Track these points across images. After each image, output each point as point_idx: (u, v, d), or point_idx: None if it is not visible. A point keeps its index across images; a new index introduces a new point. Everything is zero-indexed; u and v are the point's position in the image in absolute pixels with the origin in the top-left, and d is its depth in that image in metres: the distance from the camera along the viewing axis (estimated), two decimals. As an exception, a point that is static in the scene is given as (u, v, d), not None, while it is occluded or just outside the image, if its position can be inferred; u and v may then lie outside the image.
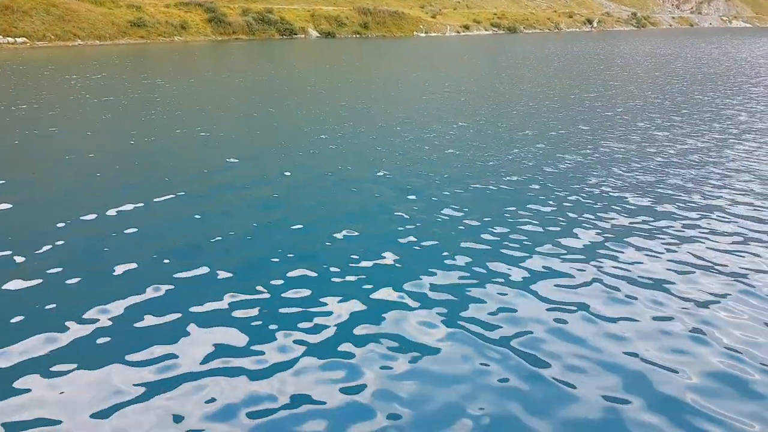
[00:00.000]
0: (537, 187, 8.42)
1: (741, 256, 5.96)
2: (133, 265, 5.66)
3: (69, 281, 5.34)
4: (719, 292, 5.15)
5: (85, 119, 14.47)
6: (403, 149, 11.02)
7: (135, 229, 6.64)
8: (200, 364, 4.06)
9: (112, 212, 7.21)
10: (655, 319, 4.69)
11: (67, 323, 4.57)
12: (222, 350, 4.24)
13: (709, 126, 13.36)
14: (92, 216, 7.10)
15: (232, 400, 3.69)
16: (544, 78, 24.42)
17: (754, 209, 7.43)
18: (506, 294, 5.08)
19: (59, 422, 3.49)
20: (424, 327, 4.53)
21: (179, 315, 4.73)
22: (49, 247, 6.10)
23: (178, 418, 3.51)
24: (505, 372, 3.96)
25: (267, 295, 5.07)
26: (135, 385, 3.82)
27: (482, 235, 6.44)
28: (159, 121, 14.38)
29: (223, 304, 4.89)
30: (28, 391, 3.75)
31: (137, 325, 4.58)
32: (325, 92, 20.06)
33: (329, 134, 12.44)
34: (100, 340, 4.37)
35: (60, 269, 5.55)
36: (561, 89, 20.49)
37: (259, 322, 4.62)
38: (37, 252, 5.95)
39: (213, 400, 3.69)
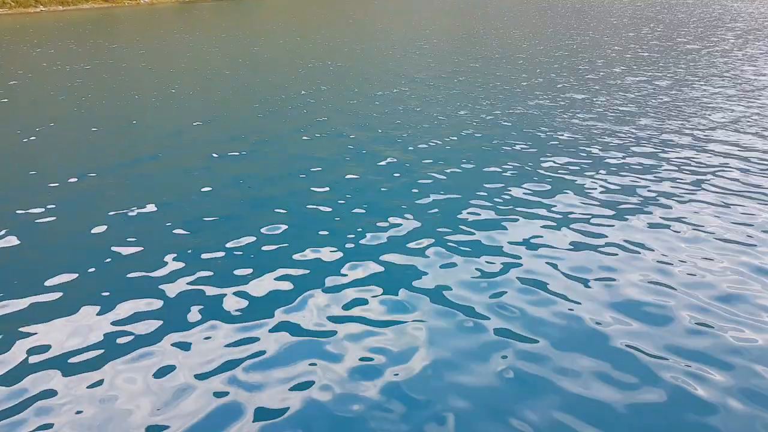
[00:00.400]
0: (498, 139, 8.40)
1: (690, 198, 6.02)
2: (95, 227, 5.63)
3: (27, 247, 5.28)
4: (662, 231, 5.23)
5: (50, 88, 14.08)
6: (370, 106, 10.89)
7: (98, 193, 6.58)
8: (169, 317, 4.06)
9: (77, 179, 7.10)
10: (603, 267, 4.74)
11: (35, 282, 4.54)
12: (189, 302, 4.27)
13: (679, 71, 13.34)
14: (57, 182, 7.01)
15: (203, 348, 3.73)
16: (516, 28, 24.12)
17: (715, 155, 7.50)
18: (454, 243, 5.10)
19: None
20: (380, 281, 4.55)
21: (142, 273, 4.73)
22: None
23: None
24: (451, 323, 4.00)
25: (238, 249, 5.09)
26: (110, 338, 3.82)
27: (441, 189, 6.43)
28: (125, 86, 14.04)
29: (190, 260, 4.90)
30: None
31: (105, 282, 4.60)
32: (294, 51, 19.67)
33: (298, 93, 12.24)
34: (73, 298, 4.37)
35: (17, 236, 5.48)
36: (532, 39, 20.27)
37: (229, 274, 4.65)
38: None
39: (188, 348, 3.74)
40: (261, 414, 3.22)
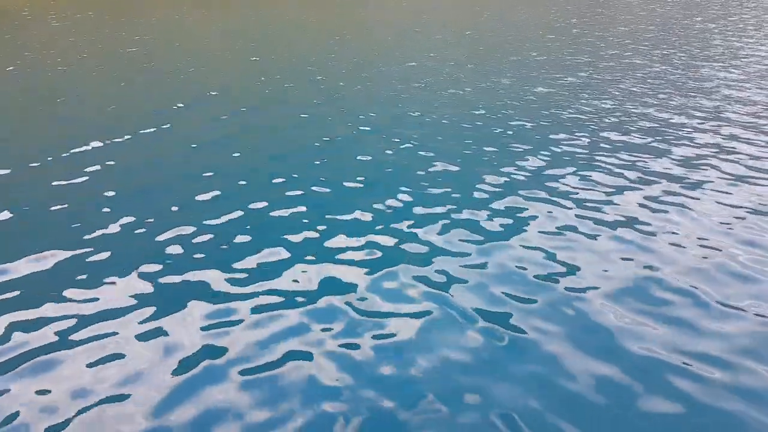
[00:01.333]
0: (509, 113, 8.29)
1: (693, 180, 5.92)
2: (96, 202, 5.65)
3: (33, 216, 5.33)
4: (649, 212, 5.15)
5: (64, 63, 14.10)
6: (371, 85, 10.79)
7: (99, 167, 6.59)
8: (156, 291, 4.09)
9: (84, 149, 7.13)
10: (598, 250, 4.69)
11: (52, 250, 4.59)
12: (184, 286, 4.28)
13: (695, 52, 13.04)
14: (66, 153, 7.04)
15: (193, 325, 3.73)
16: (528, 7, 23.64)
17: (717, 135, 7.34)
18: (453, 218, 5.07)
19: None
20: (371, 255, 4.54)
21: (143, 249, 4.75)
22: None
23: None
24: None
25: (234, 229, 5.08)
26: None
27: (443, 167, 6.38)
28: (136, 59, 14.01)
29: (191, 239, 4.91)
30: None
31: (114, 257, 4.61)
32: (304, 32, 19.48)
33: (304, 72, 12.16)
34: (75, 275, 4.39)
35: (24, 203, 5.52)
36: (544, 20, 19.88)
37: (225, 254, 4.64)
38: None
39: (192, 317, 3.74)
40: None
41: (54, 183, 6.25)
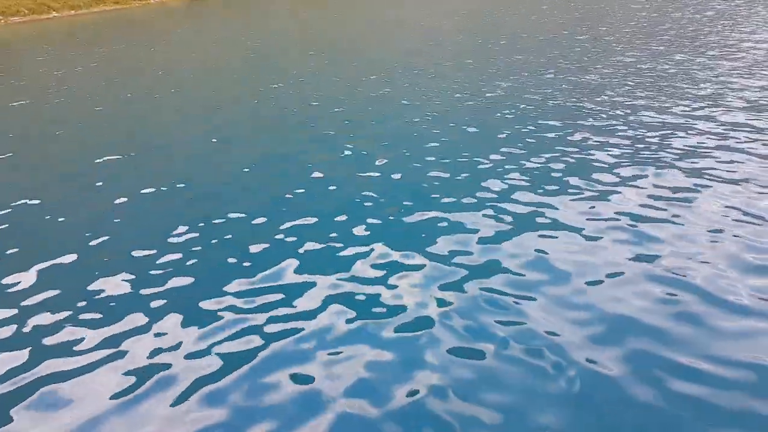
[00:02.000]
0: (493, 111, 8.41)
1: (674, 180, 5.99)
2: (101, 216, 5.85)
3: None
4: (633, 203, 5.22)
5: (68, 94, 14.38)
6: (355, 88, 10.95)
7: (108, 186, 6.81)
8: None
9: (87, 168, 7.43)
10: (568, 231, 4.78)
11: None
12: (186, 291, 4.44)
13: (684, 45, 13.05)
14: (74, 171, 7.42)
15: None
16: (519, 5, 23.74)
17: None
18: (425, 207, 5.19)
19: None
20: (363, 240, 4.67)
21: (142, 253, 4.94)
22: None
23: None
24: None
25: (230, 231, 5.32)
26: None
27: (421, 161, 6.52)
28: (135, 84, 14.27)
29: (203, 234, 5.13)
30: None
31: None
32: (296, 50, 19.73)
33: (297, 87, 12.36)
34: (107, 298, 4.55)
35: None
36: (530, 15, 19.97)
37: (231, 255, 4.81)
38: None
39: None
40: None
41: (54, 192, 6.45)
